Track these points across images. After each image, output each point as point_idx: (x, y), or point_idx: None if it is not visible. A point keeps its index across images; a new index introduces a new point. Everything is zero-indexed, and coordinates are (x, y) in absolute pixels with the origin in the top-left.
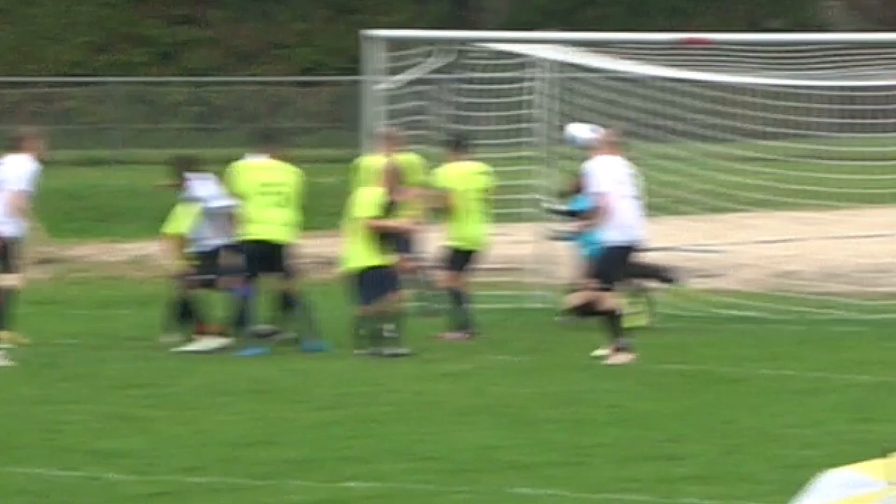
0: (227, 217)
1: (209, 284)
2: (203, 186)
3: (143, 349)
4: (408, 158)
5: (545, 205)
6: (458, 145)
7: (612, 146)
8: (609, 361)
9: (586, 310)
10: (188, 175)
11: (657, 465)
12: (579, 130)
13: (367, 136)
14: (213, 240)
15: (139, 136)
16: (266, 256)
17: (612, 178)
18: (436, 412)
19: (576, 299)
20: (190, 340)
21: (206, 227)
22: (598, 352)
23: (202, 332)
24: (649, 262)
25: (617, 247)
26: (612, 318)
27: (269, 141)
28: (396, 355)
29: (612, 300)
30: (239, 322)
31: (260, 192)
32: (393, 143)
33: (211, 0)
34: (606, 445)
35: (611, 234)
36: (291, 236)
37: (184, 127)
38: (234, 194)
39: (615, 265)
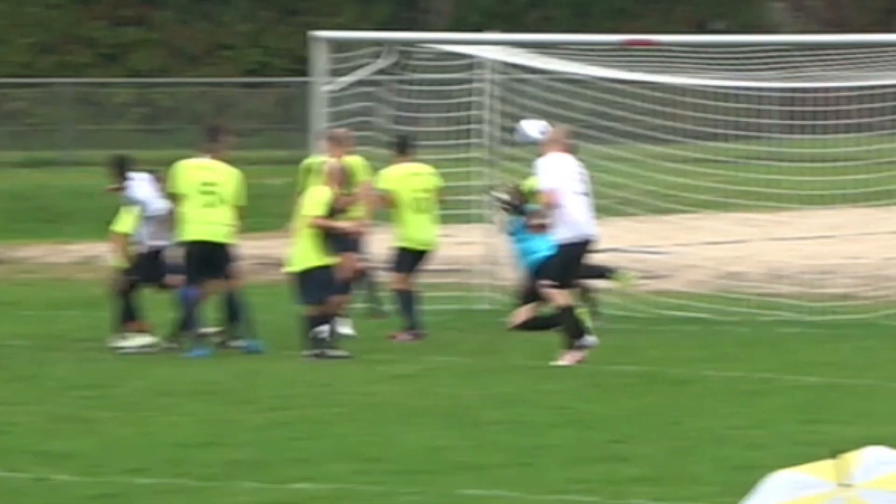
0: (163, 219)
1: (148, 284)
2: (139, 188)
3: (92, 350)
4: (353, 160)
5: (493, 194)
6: (403, 147)
7: (562, 144)
8: (558, 363)
9: (533, 324)
10: (127, 175)
11: (605, 467)
12: (531, 127)
13: (314, 138)
14: (151, 241)
15: (85, 137)
16: (206, 257)
17: (562, 175)
18: (384, 413)
19: (521, 316)
20: (123, 338)
21: (144, 229)
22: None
23: (133, 331)
24: (592, 262)
25: (568, 244)
26: (565, 315)
27: (212, 140)
28: (339, 357)
29: (564, 297)
30: (183, 323)
31: (200, 191)
32: (342, 144)
33: (156, 1)
34: (554, 447)
35: (562, 231)
36: (231, 237)
37: (130, 128)
38: (174, 194)
39: (567, 262)
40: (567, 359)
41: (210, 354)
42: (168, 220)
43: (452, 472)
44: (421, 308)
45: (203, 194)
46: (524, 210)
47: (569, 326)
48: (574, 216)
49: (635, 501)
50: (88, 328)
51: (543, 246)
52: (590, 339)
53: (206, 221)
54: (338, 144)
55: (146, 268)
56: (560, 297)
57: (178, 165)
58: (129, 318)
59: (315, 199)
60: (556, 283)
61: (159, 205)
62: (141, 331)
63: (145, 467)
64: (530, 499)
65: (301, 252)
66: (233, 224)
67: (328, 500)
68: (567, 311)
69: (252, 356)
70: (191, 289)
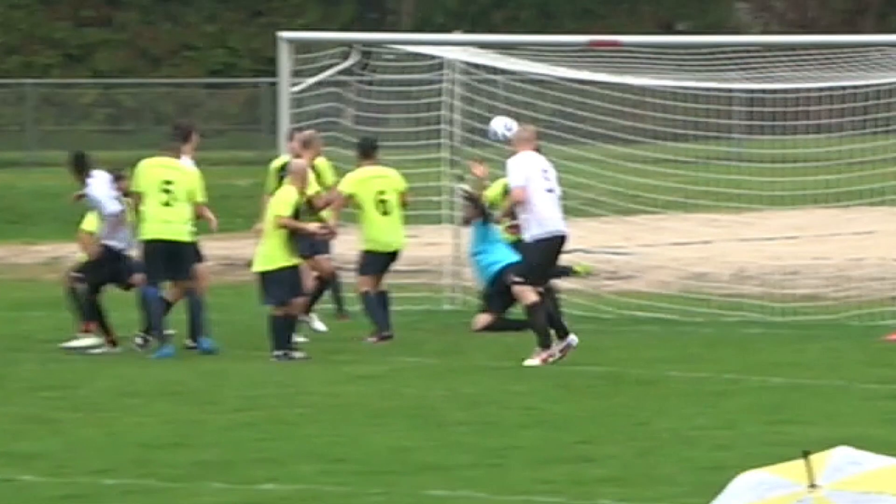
0: (118, 220)
1: (106, 283)
2: (96, 187)
3: (57, 351)
4: (319, 161)
5: (460, 187)
6: (367, 150)
7: (531, 142)
8: (530, 362)
9: (499, 325)
10: (89, 174)
11: (572, 467)
12: (498, 124)
13: (282, 138)
14: (105, 240)
15: (50, 138)
16: (166, 256)
17: (531, 173)
18: (350, 414)
19: (481, 322)
20: (75, 338)
21: (102, 228)
22: (529, 361)
23: (86, 331)
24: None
25: (538, 241)
26: (534, 313)
27: (185, 139)
28: (300, 358)
29: (533, 295)
30: (146, 323)
31: (160, 190)
32: (311, 146)
33: (120, 2)
34: (521, 447)
35: (532, 229)
36: (190, 236)
37: (94, 129)
38: (135, 193)
39: (537, 260)
40: (539, 358)
41: (172, 354)
42: (123, 221)
43: (418, 472)
44: (389, 311)
45: (163, 193)
46: (486, 212)
47: (538, 325)
48: (544, 214)
49: (602, 502)
50: (54, 329)
51: (505, 257)
52: (572, 338)
53: (166, 220)
54: (306, 147)
55: (101, 267)
56: (529, 295)
57: (140, 164)
58: (88, 318)
59: (282, 200)
60: (525, 281)
61: (114, 205)
62: (87, 331)
63: (111, 468)
64: (496, 500)
65: (267, 252)
66: (192, 223)
67: (294, 500)
68: (536, 309)
69: (213, 357)
70: (151, 288)
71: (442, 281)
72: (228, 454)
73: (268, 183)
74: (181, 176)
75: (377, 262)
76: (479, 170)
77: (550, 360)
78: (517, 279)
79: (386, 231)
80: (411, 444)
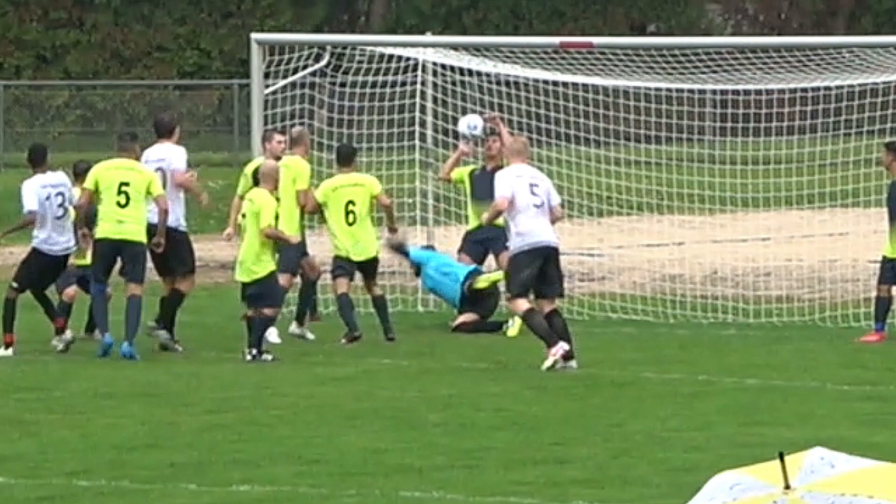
0: (35, 219)
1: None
2: (25, 185)
3: (32, 352)
4: (296, 163)
5: (386, 238)
6: (344, 156)
7: (520, 154)
8: (545, 366)
9: (474, 327)
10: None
11: (546, 469)
12: (462, 123)
13: (255, 140)
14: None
15: (22, 140)
16: (116, 255)
17: (516, 186)
18: (324, 416)
19: (460, 320)
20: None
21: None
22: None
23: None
24: None
25: (520, 252)
26: (531, 321)
27: (169, 134)
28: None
29: (524, 304)
30: (90, 322)
31: (117, 192)
32: (300, 143)
33: (90, 3)
34: (495, 449)
35: (514, 241)
36: (143, 236)
37: (66, 130)
38: (85, 189)
39: (521, 270)
40: (552, 358)
41: (113, 344)
42: (49, 222)
43: (393, 474)
44: (387, 314)
45: (120, 194)
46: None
47: (538, 329)
48: (527, 227)
49: (576, 503)
50: (28, 330)
51: (457, 270)
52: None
53: (119, 220)
54: (296, 143)
55: (28, 269)
56: (521, 305)
57: (97, 166)
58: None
59: (267, 209)
60: (515, 294)
61: (31, 205)
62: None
63: (86, 469)
64: (471, 501)
65: (259, 258)
66: (144, 223)
67: (269, 502)
68: (530, 316)
69: (187, 358)
70: (97, 285)
71: (415, 282)
72: (203, 456)
73: (241, 185)
74: (138, 177)
75: (346, 265)
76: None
77: (561, 352)
78: (508, 293)
79: (351, 241)
80: (386, 445)
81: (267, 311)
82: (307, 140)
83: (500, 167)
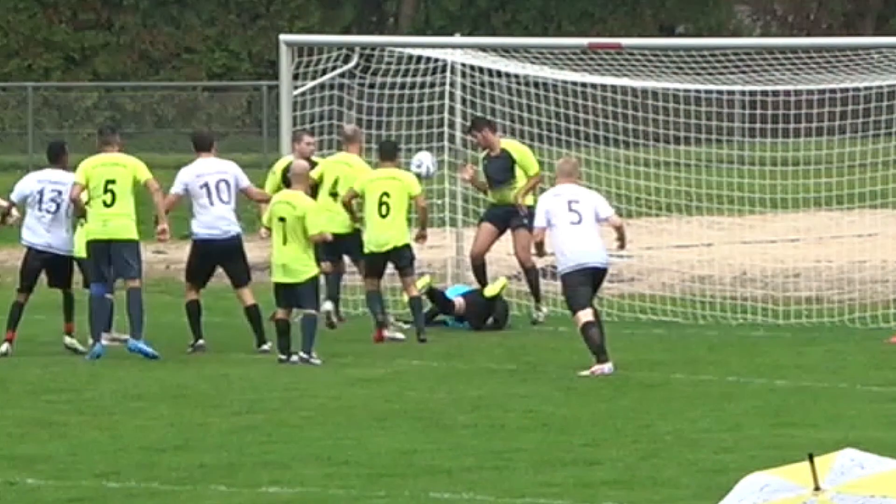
0: (55, 218)
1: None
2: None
3: (60, 354)
4: (358, 162)
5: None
6: (386, 152)
7: (568, 175)
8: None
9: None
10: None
11: (576, 470)
12: (414, 161)
13: (284, 141)
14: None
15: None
16: (106, 255)
17: (553, 209)
18: (353, 417)
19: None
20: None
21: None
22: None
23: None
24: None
25: (564, 275)
26: (585, 333)
27: (198, 148)
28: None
29: (584, 317)
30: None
31: (104, 190)
32: (353, 140)
33: (119, 5)
34: (524, 450)
35: (559, 264)
36: (132, 231)
37: (95, 132)
38: (77, 184)
39: (570, 289)
40: (589, 371)
41: (102, 353)
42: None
43: (422, 475)
44: (422, 315)
45: (106, 192)
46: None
47: (590, 343)
48: (566, 247)
49: None
50: (56, 332)
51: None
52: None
53: (105, 221)
54: (350, 140)
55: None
56: (581, 318)
57: (84, 163)
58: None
59: (313, 213)
60: (574, 309)
61: (5, 201)
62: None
63: (115, 471)
64: (501, 502)
65: (305, 260)
66: (133, 220)
67: (298, 503)
68: (587, 329)
69: (217, 359)
70: (96, 286)
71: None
72: (232, 457)
73: (269, 182)
74: (122, 171)
75: (375, 263)
76: (468, 173)
77: (597, 373)
78: (571, 311)
79: (382, 231)
80: (415, 446)
81: (312, 312)
82: (361, 137)
83: (501, 153)
